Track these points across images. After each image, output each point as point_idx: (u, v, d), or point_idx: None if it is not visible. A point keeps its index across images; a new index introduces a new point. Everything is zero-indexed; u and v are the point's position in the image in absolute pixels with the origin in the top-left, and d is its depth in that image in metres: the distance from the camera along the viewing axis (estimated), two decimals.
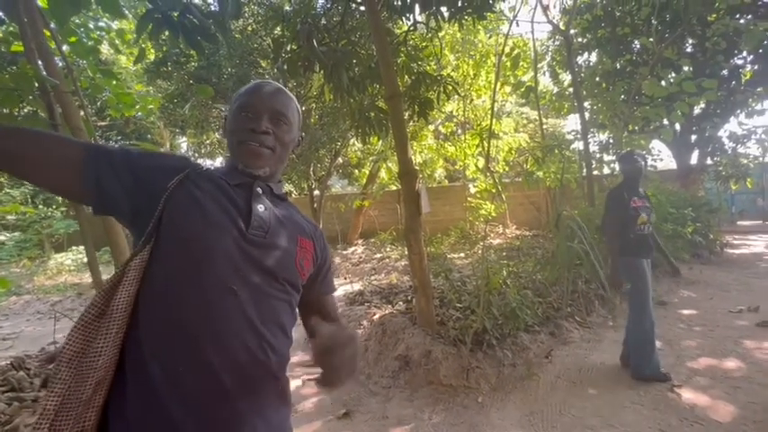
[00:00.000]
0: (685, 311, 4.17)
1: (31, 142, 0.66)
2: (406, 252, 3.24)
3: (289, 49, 4.02)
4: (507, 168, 10.08)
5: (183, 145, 15.96)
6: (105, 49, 7.76)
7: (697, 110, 8.63)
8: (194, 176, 0.76)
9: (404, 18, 4.28)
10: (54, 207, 11.95)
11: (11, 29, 2.93)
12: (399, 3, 3.83)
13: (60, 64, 2.49)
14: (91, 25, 3.76)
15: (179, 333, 0.66)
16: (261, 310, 0.72)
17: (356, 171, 11.21)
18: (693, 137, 9.26)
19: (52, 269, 9.38)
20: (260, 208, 0.78)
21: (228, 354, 0.67)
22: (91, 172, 0.69)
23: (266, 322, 0.73)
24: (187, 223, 0.70)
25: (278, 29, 5.18)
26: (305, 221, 0.89)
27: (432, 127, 10.17)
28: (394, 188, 10.96)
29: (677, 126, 8.77)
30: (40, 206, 11.06)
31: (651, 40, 6.31)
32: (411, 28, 4.35)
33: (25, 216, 9.26)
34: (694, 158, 9.53)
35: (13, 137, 0.65)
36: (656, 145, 10.15)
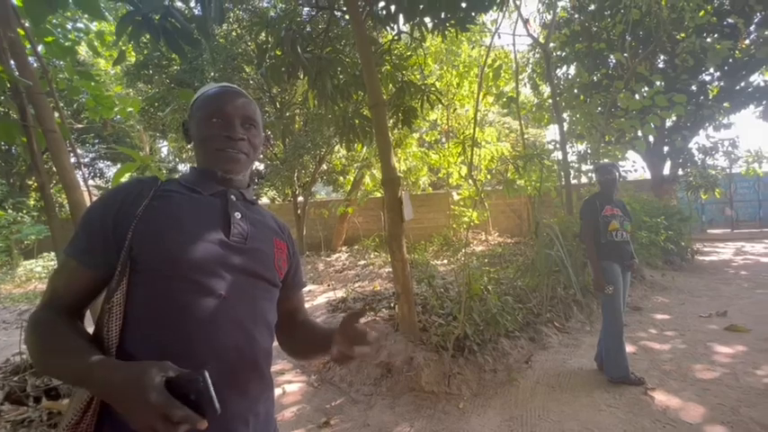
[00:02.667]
0: (658, 316, 4.32)
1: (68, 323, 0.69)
2: (390, 259, 3.25)
3: (272, 55, 4.02)
4: (489, 177, 10.27)
5: (164, 149, 15.64)
6: (84, 51, 7.57)
7: (669, 123, 9.03)
8: (163, 193, 0.76)
9: (388, 28, 4.34)
10: (24, 212, 11.46)
11: None
12: (384, 13, 3.89)
13: (35, 65, 2.42)
14: (69, 26, 3.67)
15: (172, 344, 0.67)
16: (248, 311, 0.75)
17: (341, 178, 11.20)
18: (666, 148, 9.66)
19: (21, 276, 8.97)
20: (237, 215, 0.80)
21: (222, 357, 0.69)
22: (101, 272, 0.72)
23: (254, 322, 0.75)
24: (167, 241, 0.71)
25: (262, 35, 5.18)
26: (276, 223, 0.92)
27: (416, 135, 10.29)
28: (378, 195, 10.99)
29: (650, 138, 9.13)
30: (10, 210, 10.59)
31: (626, 55, 6.60)
32: (395, 38, 4.42)
33: None
34: (667, 169, 9.93)
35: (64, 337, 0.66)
36: (631, 155, 10.53)
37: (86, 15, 4.02)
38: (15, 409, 2.04)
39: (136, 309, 0.68)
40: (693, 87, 8.42)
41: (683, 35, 7.70)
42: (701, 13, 7.11)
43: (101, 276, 0.71)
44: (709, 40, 7.67)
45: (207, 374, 0.52)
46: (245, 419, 0.72)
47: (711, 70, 8.37)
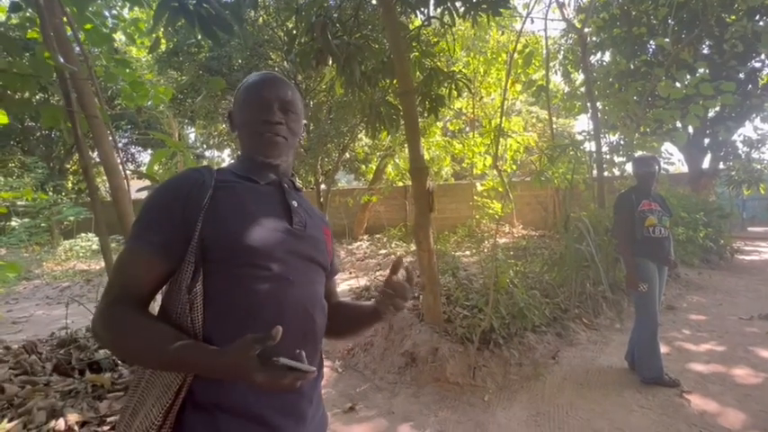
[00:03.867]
0: (694, 317, 4.14)
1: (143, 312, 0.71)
2: (414, 248, 3.24)
3: (301, 41, 3.99)
4: (515, 167, 10.01)
5: (192, 135, 16.04)
6: (118, 38, 7.77)
7: (711, 113, 8.49)
8: (224, 184, 0.77)
9: (417, 13, 4.23)
10: (63, 194, 12.07)
11: (27, 15, 2.94)
12: None
13: (76, 50, 2.49)
14: (106, 14, 3.76)
15: (246, 331, 0.68)
16: (309, 294, 0.78)
17: (363, 166, 11.20)
18: (706, 140, 9.12)
19: (61, 255, 9.50)
20: (294, 204, 0.83)
21: (290, 340, 0.71)
22: (173, 263, 0.73)
23: (313, 305, 0.79)
24: (237, 231, 0.72)
25: (290, 21, 5.17)
26: (317, 210, 0.95)
27: (439, 124, 10.11)
28: (401, 184, 10.93)
29: (690, 129, 8.64)
30: (50, 192, 11.17)
31: (667, 40, 6.20)
32: (425, 23, 4.31)
33: (36, 202, 9.36)
34: (706, 162, 9.40)
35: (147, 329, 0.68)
36: (667, 147, 10.04)
37: (120, 2, 4.11)
38: (63, 380, 2.17)
39: (211, 298, 0.69)
40: (741, 75, 7.86)
41: (733, 18, 7.16)
42: None
43: (171, 268, 0.72)
44: (761, 23, 7.13)
45: (281, 358, 0.59)
46: (310, 398, 0.77)
47: (763, 56, 7.78)
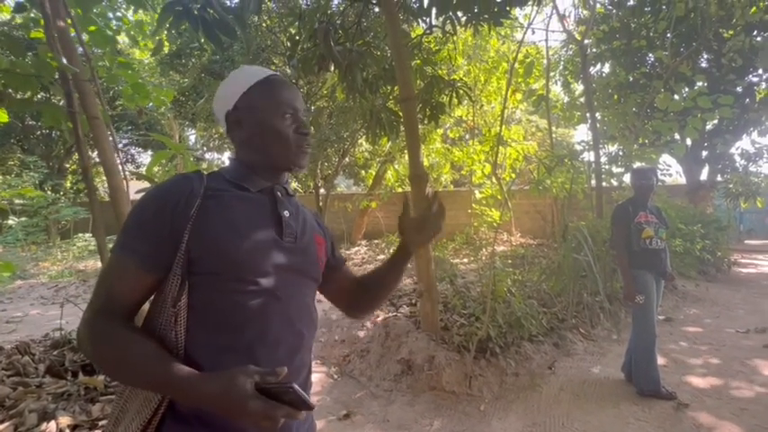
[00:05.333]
0: (691, 329, 4.13)
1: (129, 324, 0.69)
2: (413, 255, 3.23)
3: (304, 47, 4.02)
4: (514, 176, 10.03)
5: (192, 137, 16.07)
6: (121, 40, 7.82)
7: (709, 126, 8.57)
8: (213, 192, 0.73)
9: (419, 21, 4.27)
10: (62, 193, 12.04)
11: (31, 15, 2.96)
12: (416, 5, 3.83)
13: (79, 51, 2.50)
14: (110, 16, 3.78)
15: (233, 346, 0.68)
16: (298, 309, 0.76)
17: (362, 172, 11.21)
18: (704, 153, 9.19)
19: (57, 255, 9.44)
20: (286, 214, 0.79)
21: (276, 355, 0.71)
22: (159, 275, 0.70)
23: (302, 319, 0.77)
24: (225, 244, 0.69)
25: (293, 27, 5.21)
26: (311, 215, 0.92)
27: (440, 131, 10.15)
28: (400, 190, 10.95)
29: (688, 141, 8.71)
30: (49, 191, 11.14)
31: (666, 53, 6.27)
32: (426, 31, 4.35)
33: (33, 201, 9.33)
34: (704, 174, 9.46)
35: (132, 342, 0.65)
36: (666, 159, 10.11)
37: (125, 5, 4.14)
38: (55, 382, 2.15)
39: (196, 312, 0.67)
40: (739, 89, 7.94)
41: (731, 33, 7.26)
42: (753, 9, 6.67)
43: (158, 278, 0.69)
44: (759, 38, 7.22)
45: (296, 386, 0.57)
46: None
47: (761, 71, 7.87)
